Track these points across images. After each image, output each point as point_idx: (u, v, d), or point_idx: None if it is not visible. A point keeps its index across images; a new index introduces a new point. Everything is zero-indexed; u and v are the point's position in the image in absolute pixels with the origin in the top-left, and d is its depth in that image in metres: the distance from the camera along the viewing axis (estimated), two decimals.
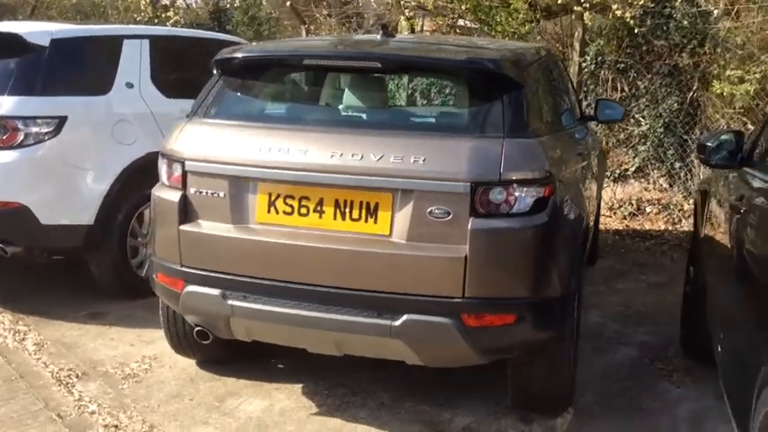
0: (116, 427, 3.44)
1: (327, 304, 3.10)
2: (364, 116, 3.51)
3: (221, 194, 3.24)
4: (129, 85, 5.07)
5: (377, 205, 3.05)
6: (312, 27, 12.29)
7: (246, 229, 3.21)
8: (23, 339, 4.40)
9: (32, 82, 4.57)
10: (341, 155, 3.06)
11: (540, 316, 3.11)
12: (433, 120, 3.38)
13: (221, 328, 3.37)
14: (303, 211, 3.14)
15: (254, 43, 4.12)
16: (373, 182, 3.04)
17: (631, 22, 6.61)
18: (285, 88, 3.81)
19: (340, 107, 3.55)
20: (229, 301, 3.21)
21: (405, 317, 3.01)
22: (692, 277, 4.42)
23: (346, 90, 3.55)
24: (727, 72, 6.28)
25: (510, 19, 8.35)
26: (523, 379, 3.40)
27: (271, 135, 3.23)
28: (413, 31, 10.51)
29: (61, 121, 4.55)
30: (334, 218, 3.11)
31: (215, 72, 3.56)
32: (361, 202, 3.07)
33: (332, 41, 4.33)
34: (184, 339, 3.86)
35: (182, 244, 3.30)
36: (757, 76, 6.10)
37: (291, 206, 3.15)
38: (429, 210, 2.98)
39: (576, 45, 7.92)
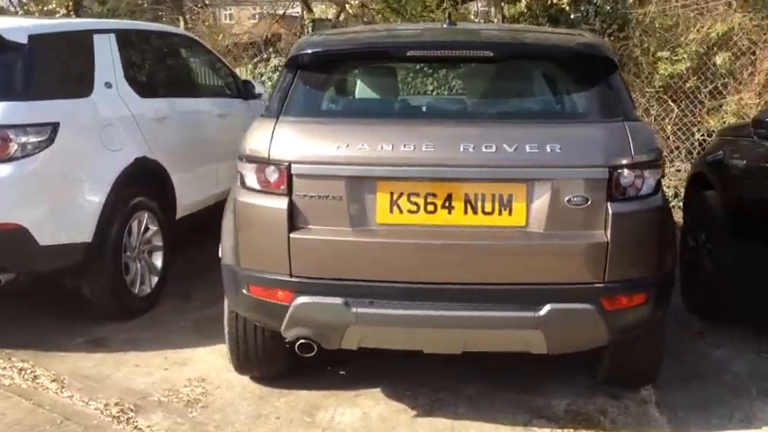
0: None
1: (462, 302, 3.01)
2: (483, 106, 3.42)
3: (336, 197, 3.03)
4: (108, 85, 4.60)
5: (510, 197, 3.00)
6: (189, 17, 11.72)
7: (368, 232, 3.04)
8: (35, 377, 3.87)
9: (16, 85, 4.00)
10: (473, 147, 2.97)
11: (660, 293, 3.21)
12: (556, 107, 3.36)
13: (333, 337, 3.17)
14: (430, 208, 3.02)
15: (318, 36, 3.85)
16: (509, 173, 2.99)
17: (567, 8, 6.92)
18: (381, 81, 3.62)
19: (452, 98, 3.44)
20: (354, 309, 3.02)
21: (548, 307, 2.99)
22: (691, 245, 4.77)
23: (455, 80, 3.44)
24: (659, 53, 6.75)
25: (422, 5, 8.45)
26: (626, 356, 3.49)
27: (388, 130, 3.06)
28: (313, 20, 10.34)
29: (54, 129, 4.03)
30: (465, 212, 3.01)
31: (291, 67, 3.31)
32: (493, 195, 3.00)
33: (416, 30, 4.13)
34: (254, 355, 3.59)
35: (292, 253, 3.05)
36: (685, 56, 6.62)
37: (417, 204, 3.02)
38: (567, 198, 2.98)
39: None
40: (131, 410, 3.53)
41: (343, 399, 3.64)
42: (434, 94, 3.45)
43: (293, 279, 3.08)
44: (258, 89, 6.40)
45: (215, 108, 5.82)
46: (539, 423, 3.43)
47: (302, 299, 3.07)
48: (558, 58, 3.30)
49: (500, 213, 3.01)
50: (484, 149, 2.97)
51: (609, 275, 3.01)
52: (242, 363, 3.64)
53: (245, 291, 3.22)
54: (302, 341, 3.24)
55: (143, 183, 4.66)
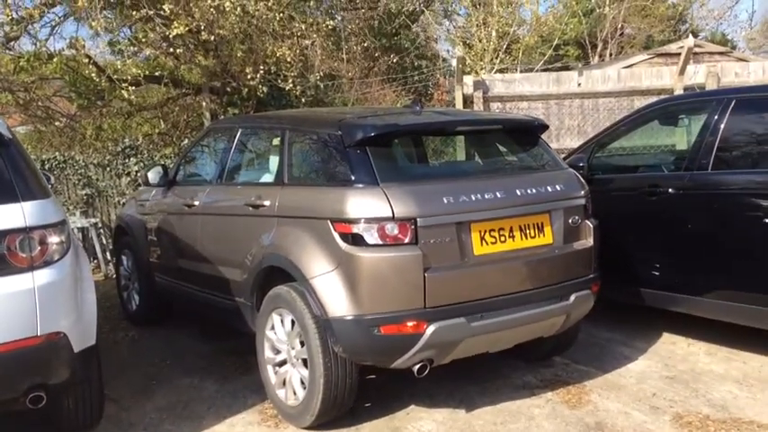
0: None
1: (528, 303, 4.17)
2: (500, 164, 4.53)
3: (448, 240, 3.91)
4: None
5: (542, 224, 4.29)
6: None
7: (472, 262, 3.99)
8: None
9: (33, 183, 3.69)
10: (517, 192, 4.18)
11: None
12: (534, 161, 4.63)
13: (448, 353, 3.99)
14: (502, 239, 4.12)
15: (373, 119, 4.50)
16: (537, 208, 4.27)
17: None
18: (427, 149, 4.42)
19: (480, 159, 4.47)
20: (473, 324, 3.94)
21: (573, 296, 4.35)
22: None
23: (474, 147, 4.49)
24: None
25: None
26: (566, 335, 4.93)
27: (465, 187, 4.05)
28: None
29: (65, 226, 3.80)
30: (521, 239, 4.20)
31: (358, 145, 4.01)
32: (533, 224, 4.25)
33: (436, 113, 4.85)
34: (341, 398, 4.08)
35: (427, 288, 3.81)
36: None
37: (495, 237, 4.09)
38: (570, 219, 4.40)
39: (206, 113, 8.97)
40: None
41: (403, 418, 4.35)
42: (473, 156, 4.55)
43: (428, 310, 3.83)
44: None
45: None
46: (537, 391, 4.70)
47: (438, 324, 3.83)
48: (516, 128, 4.70)
49: (538, 236, 4.26)
50: (519, 193, 4.20)
51: (594, 269, 4.51)
52: (327, 408, 4.06)
53: (375, 332, 3.81)
54: (420, 364, 3.97)
55: None
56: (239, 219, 4.71)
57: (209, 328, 6.21)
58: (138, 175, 8.84)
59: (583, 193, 4.49)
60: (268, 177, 4.76)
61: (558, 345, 4.97)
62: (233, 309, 4.85)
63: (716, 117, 5.01)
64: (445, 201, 3.93)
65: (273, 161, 4.72)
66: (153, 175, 5.74)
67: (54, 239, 3.60)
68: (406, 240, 3.82)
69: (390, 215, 3.80)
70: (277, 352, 4.38)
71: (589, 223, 4.50)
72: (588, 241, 4.48)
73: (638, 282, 5.37)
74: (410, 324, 3.82)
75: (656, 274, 5.28)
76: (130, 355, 5.84)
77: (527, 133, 4.67)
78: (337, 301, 3.87)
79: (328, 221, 3.92)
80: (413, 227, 3.83)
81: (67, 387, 3.81)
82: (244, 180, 5.11)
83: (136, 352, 5.94)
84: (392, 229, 3.80)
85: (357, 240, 3.82)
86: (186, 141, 8.89)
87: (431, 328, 3.83)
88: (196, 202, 5.23)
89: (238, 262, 4.67)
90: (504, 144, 4.66)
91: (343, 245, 3.86)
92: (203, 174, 5.70)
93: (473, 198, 4.01)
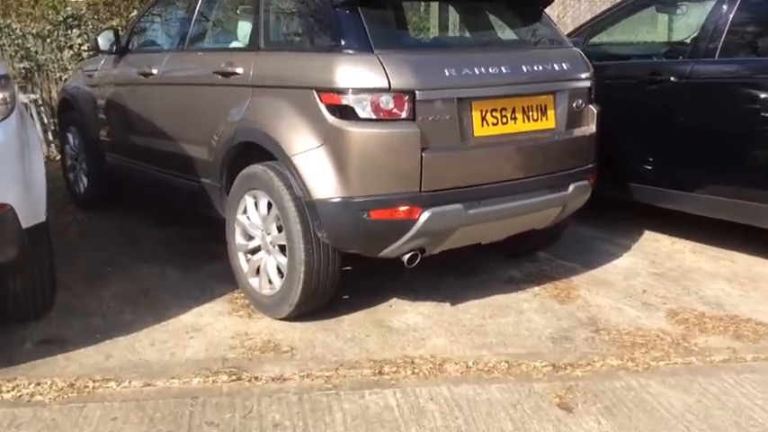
0: None
1: (527, 192, 3.84)
2: (502, 37, 4.06)
3: (447, 118, 3.51)
4: None
5: (545, 106, 3.91)
6: None
7: (471, 144, 3.61)
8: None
9: None
10: (523, 68, 3.78)
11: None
12: (537, 37, 4.16)
13: (441, 242, 3.66)
14: (504, 120, 3.73)
15: None
16: (542, 87, 3.88)
17: None
18: (419, 18, 3.92)
19: (480, 31, 4.00)
20: (470, 211, 3.59)
21: (572, 186, 4.04)
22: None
23: (472, 18, 4.00)
24: None
25: None
26: (554, 229, 4.63)
27: (468, 59, 3.62)
28: None
29: (9, 83, 3.27)
30: (524, 121, 3.82)
31: (347, 5, 3.51)
32: (537, 106, 3.87)
33: None
34: (322, 288, 3.74)
35: (424, 170, 3.43)
36: None
37: (496, 118, 3.70)
38: (575, 103, 4.03)
39: None
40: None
41: (385, 311, 4.06)
42: (465, 29, 4.00)
43: (423, 194, 3.46)
44: None
45: None
46: (524, 285, 4.45)
47: (433, 210, 3.48)
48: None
49: (541, 120, 3.89)
50: (525, 69, 3.80)
51: (593, 159, 4.19)
52: (308, 298, 3.72)
53: (364, 216, 3.43)
54: (411, 253, 3.63)
55: None
56: (206, 89, 4.20)
57: (164, 213, 5.76)
58: (82, 48, 8.10)
59: (589, 74, 4.11)
60: (241, 42, 4.23)
61: (543, 239, 4.70)
62: (197, 191, 4.40)
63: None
64: (446, 73, 3.50)
65: (246, 23, 4.16)
66: (103, 41, 5.10)
67: None
68: (403, 116, 3.40)
69: (386, 86, 3.36)
70: (250, 238, 3.98)
71: (593, 108, 4.14)
72: (590, 128, 4.14)
73: (628, 176, 5.10)
74: (403, 209, 3.45)
75: (649, 168, 5.01)
76: (80, 240, 5.37)
77: (529, 5, 4.21)
78: (323, 182, 3.46)
79: (313, 91, 3.47)
80: (411, 101, 3.40)
81: (14, 268, 3.36)
82: (211, 45, 4.54)
83: (86, 237, 5.47)
84: (387, 101, 3.37)
85: (347, 113, 3.39)
86: (135, 13, 8.09)
87: (425, 214, 3.47)
88: (154, 71, 4.66)
89: (205, 138, 4.19)
90: (504, 17, 4.19)
91: (330, 118, 3.42)
92: (162, 38, 5.09)
93: (476, 72, 3.59)
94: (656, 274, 4.69)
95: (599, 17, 5.49)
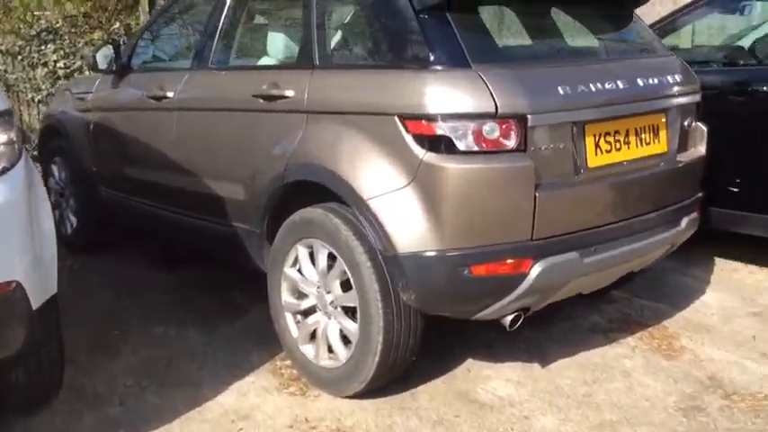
0: None
1: (644, 231, 3.18)
2: (602, 44, 3.34)
3: (561, 147, 2.82)
4: None
5: (657, 126, 3.24)
6: None
7: (585, 178, 2.92)
8: None
9: None
10: (639, 82, 3.11)
11: None
12: (635, 43, 3.47)
13: (550, 297, 2.97)
14: (617, 145, 3.06)
15: None
16: (656, 105, 3.22)
17: None
18: (518, 24, 3.20)
19: (572, 39, 3.30)
20: (585, 260, 2.91)
21: (685, 220, 3.39)
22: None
23: (564, 22, 3.30)
24: None
25: None
26: None
27: (580, 73, 2.94)
28: None
29: (12, 119, 2.49)
30: (636, 146, 3.15)
31: (433, 9, 2.81)
32: (649, 126, 3.20)
33: None
34: (401, 361, 3.03)
35: (537, 213, 2.74)
36: None
37: (610, 143, 3.02)
38: (686, 121, 3.37)
39: None
40: None
41: (465, 377, 3.34)
42: (562, 35, 3.29)
43: (535, 242, 2.76)
44: None
45: None
46: (614, 336, 3.77)
47: (546, 262, 2.78)
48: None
49: (653, 143, 3.23)
50: (641, 84, 3.14)
51: (701, 186, 3.54)
52: (384, 372, 3.00)
53: (464, 273, 2.72)
54: (515, 314, 2.93)
55: None
56: (241, 115, 3.43)
57: (167, 253, 4.97)
58: (58, 65, 7.22)
59: (698, 87, 3.46)
60: (287, 57, 3.48)
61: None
62: (227, 236, 3.63)
63: None
64: (561, 91, 2.81)
65: (293, 35, 3.42)
66: (102, 58, 4.29)
67: None
68: (512, 146, 2.69)
69: (492, 110, 2.65)
70: (301, 296, 3.24)
71: (702, 127, 3.49)
72: (700, 149, 3.49)
73: (707, 201, 4.46)
74: (510, 261, 2.74)
75: (736, 190, 4.38)
76: (74, 293, 4.53)
77: (621, 5, 3.55)
78: (410, 231, 2.73)
79: (395, 118, 2.75)
80: (521, 127, 2.69)
81: (19, 358, 2.57)
82: (245, 62, 3.77)
83: (80, 288, 4.62)
84: (493, 129, 2.66)
85: (441, 146, 2.67)
86: (118, 25, 7.26)
87: (537, 268, 2.77)
88: (169, 94, 3.87)
89: (239, 174, 3.44)
90: (595, 18, 3.48)
91: (419, 152, 2.70)
92: (176, 54, 4.29)
93: (592, 89, 2.90)
94: (754, 315, 4.06)
95: (666, 19, 4.86)
